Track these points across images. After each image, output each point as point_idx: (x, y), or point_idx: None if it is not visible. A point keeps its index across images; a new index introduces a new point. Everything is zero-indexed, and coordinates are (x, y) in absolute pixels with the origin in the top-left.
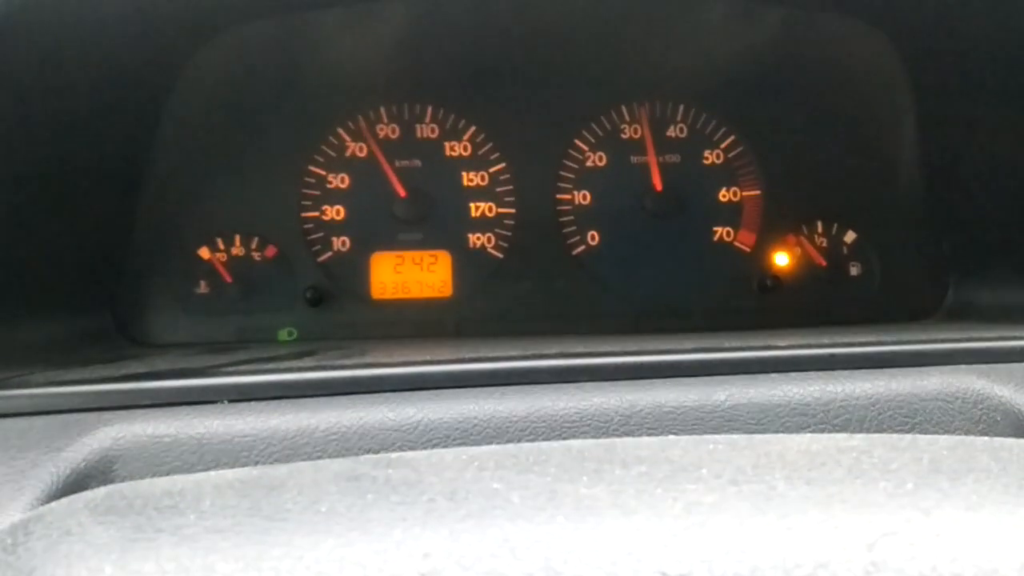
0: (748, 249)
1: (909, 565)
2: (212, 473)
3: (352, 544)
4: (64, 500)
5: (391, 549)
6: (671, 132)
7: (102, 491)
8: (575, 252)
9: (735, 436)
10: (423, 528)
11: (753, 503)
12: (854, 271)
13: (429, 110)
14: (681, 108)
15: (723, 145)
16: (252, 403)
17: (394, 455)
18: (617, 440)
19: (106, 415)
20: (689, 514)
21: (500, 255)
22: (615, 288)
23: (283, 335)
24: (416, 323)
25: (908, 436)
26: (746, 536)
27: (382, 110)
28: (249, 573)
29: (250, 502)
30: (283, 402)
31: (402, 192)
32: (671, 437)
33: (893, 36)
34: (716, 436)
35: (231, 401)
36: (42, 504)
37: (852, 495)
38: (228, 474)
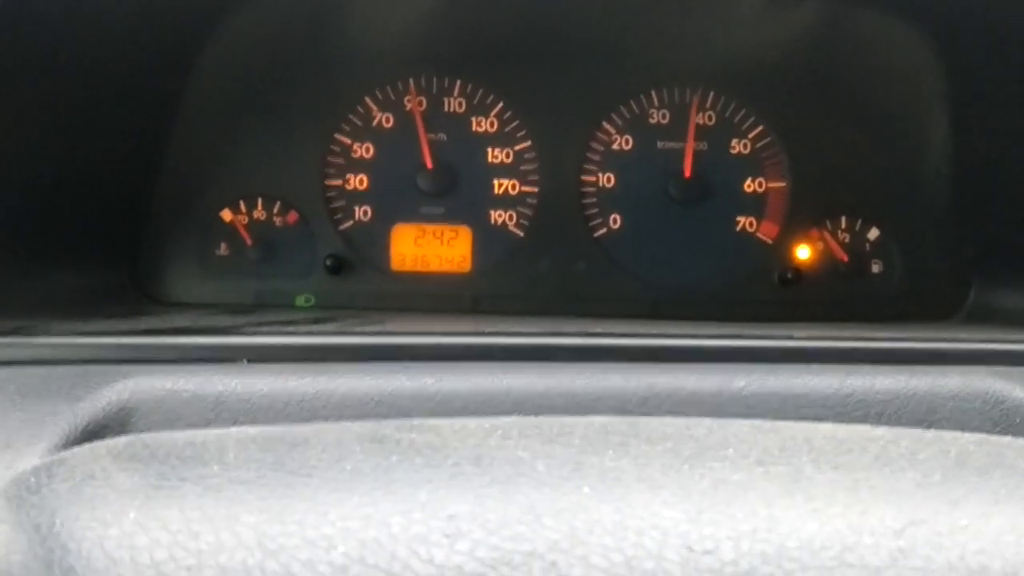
0: (770, 241)
1: (936, 554)
2: (233, 429)
3: (377, 503)
4: (86, 446)
5: (416, 509)
6: (700, 119)
7: (123, 440)
8: (596, 235)
9: (760, 421)
10: (448, 491)
11: (780, 484)
12: (875, 268)
13: (458, 84)
14: (711, 95)
15: (751, 135)
16: (271, 364)
17: (416, 421)
18: (640, 418)
19: (126, 368)
20: (716, 491)
21: (521, 233)
22: (634, 273)
23: (300, 301)
24: (433, 296)
25: (932, 431)
26: (773, 516)
27: (411, 81)
28: (274, 526)
29: (274, 457)
30: (302, 365)
31: (430, 163)
32: (695, 418)
33: (932, 34)
34: (741, 420)
35: (251, 361)
36: (59, 451)
37: (880, 482)
38: (250, 430)
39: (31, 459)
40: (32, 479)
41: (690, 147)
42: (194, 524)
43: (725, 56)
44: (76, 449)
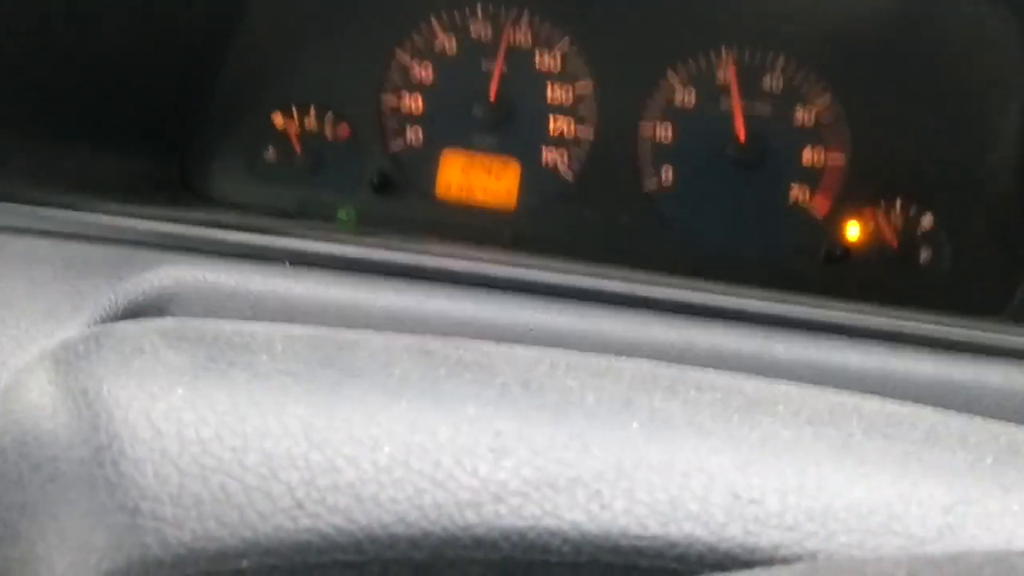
0: (821, 216)
1: (984, 534)
2: (280, 325)
3: (424, 411)
4: (133, 322)
5: (463, 422)
6: (766, 83)
7: (171, 320)
8: (646, 188)
9: (808, 386)
10: (496, 409)
11: (830, 446)
12: (924, 257)
13: (525, 15)
14: (782, 59)
15: (817, 105)
16: (313, 269)
17: (462, 341)
18: (688, 367)
19: (170, 255)
20: (764, 444)
21: (570, 177)
22: (679, 231)
23: (342, 215)
24: (474, 228)
25: (980, 418)
26: (822, 475)
27: (479, 7)
28: (320, 420)
29: (323, 355)
30: (344, 274)
31: (492, 94)
32: (743, 375)
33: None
34: (788, 383)
35: (292, 264)
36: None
37: (930, 458)
38: (296, 328)
39: (71, 331)
40: (81, 346)
41: (740, 109)
42: (241, 408)
43: (803, 22)
44: (123, 323)
